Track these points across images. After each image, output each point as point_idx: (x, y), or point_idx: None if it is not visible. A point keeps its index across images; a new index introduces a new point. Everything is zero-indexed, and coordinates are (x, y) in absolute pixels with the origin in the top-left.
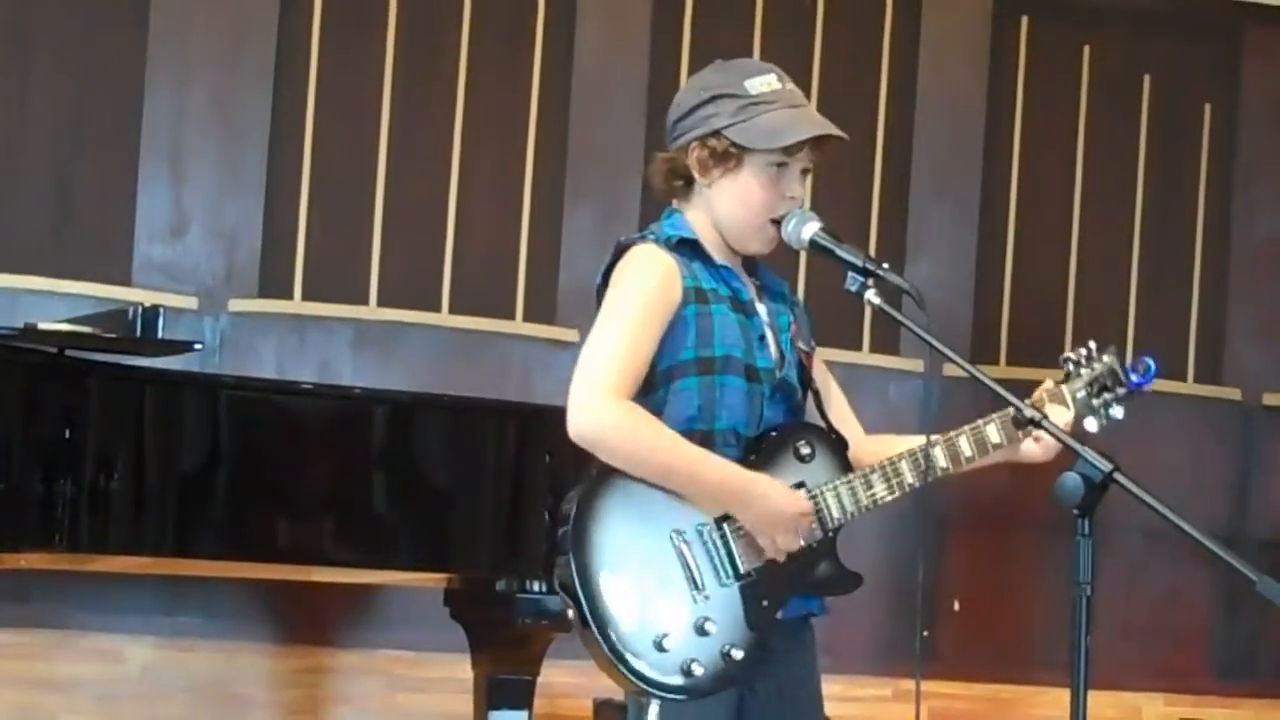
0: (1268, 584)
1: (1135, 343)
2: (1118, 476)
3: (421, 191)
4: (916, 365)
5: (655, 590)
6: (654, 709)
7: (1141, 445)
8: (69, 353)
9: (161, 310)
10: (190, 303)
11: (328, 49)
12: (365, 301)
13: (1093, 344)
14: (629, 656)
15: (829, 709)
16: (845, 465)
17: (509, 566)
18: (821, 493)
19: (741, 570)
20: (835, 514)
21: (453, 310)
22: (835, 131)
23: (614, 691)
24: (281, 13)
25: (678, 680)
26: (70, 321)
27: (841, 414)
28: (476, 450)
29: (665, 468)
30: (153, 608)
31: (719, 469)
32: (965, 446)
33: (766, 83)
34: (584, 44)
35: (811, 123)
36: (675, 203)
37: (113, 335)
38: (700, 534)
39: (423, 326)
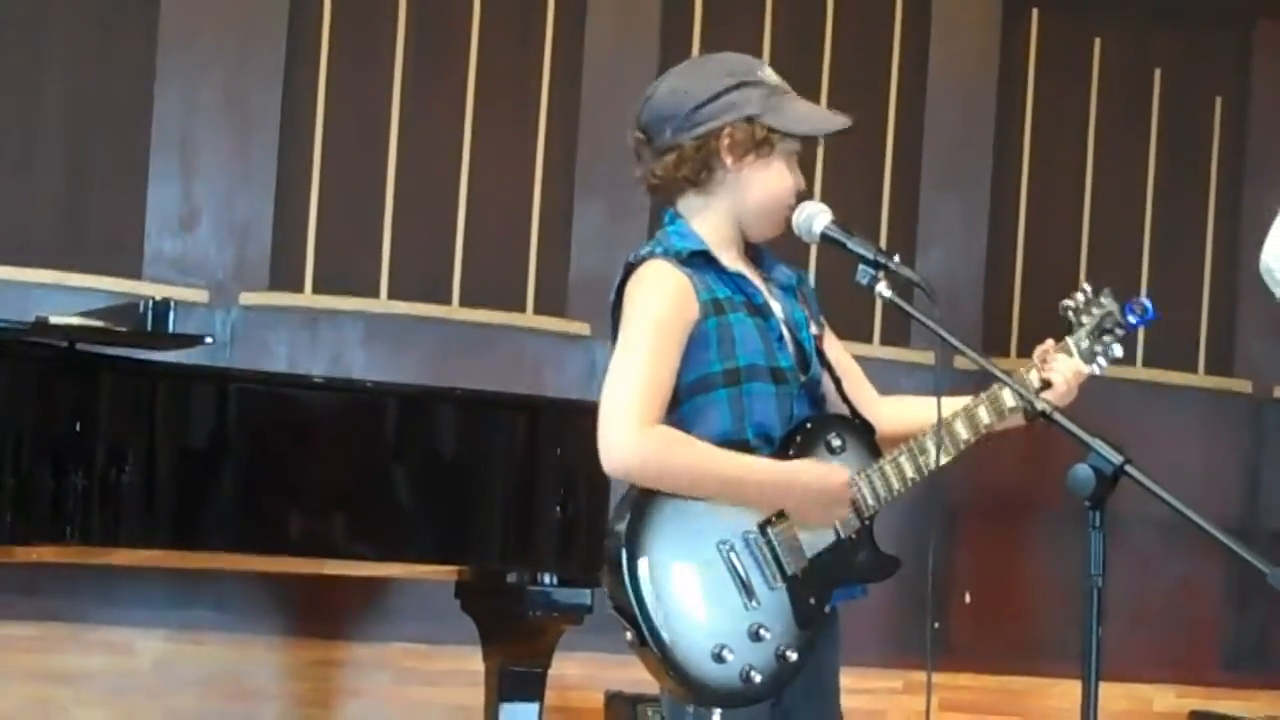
0: (1279, 577)
1: (1147, 334)
2: (1129, 469)
3: (432, 184)
4: (927, 358)
5: (708, 603)
6: (717, 717)
7: (1153, 437)
8: (80, 346)
9: (172, 304)
10: (201, 296)
11: (338, 43)
12: (376, 294)
13: (1088, 287)
14: (690, 672)
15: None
16: (875, 450)
17: (520, 559)
18: (856, 482)
19: (788, 572)
20: (870, 501)
21: (463, 303)
22: (849, 122)
23: (625, 684)
24: (292, 7)
25: (738, 687)
26: (81, 315)
27: (858, 386)
28: (487, 443)
29: (706, 483)
30: (164, 601)
31: (760, 470)
32: (984, 415)
33: (770, 73)
34: (594, 37)
35: (830, 114)
36: (678, 201)
37: (123, 329)
38: (746, 541)
39: (433, 319)
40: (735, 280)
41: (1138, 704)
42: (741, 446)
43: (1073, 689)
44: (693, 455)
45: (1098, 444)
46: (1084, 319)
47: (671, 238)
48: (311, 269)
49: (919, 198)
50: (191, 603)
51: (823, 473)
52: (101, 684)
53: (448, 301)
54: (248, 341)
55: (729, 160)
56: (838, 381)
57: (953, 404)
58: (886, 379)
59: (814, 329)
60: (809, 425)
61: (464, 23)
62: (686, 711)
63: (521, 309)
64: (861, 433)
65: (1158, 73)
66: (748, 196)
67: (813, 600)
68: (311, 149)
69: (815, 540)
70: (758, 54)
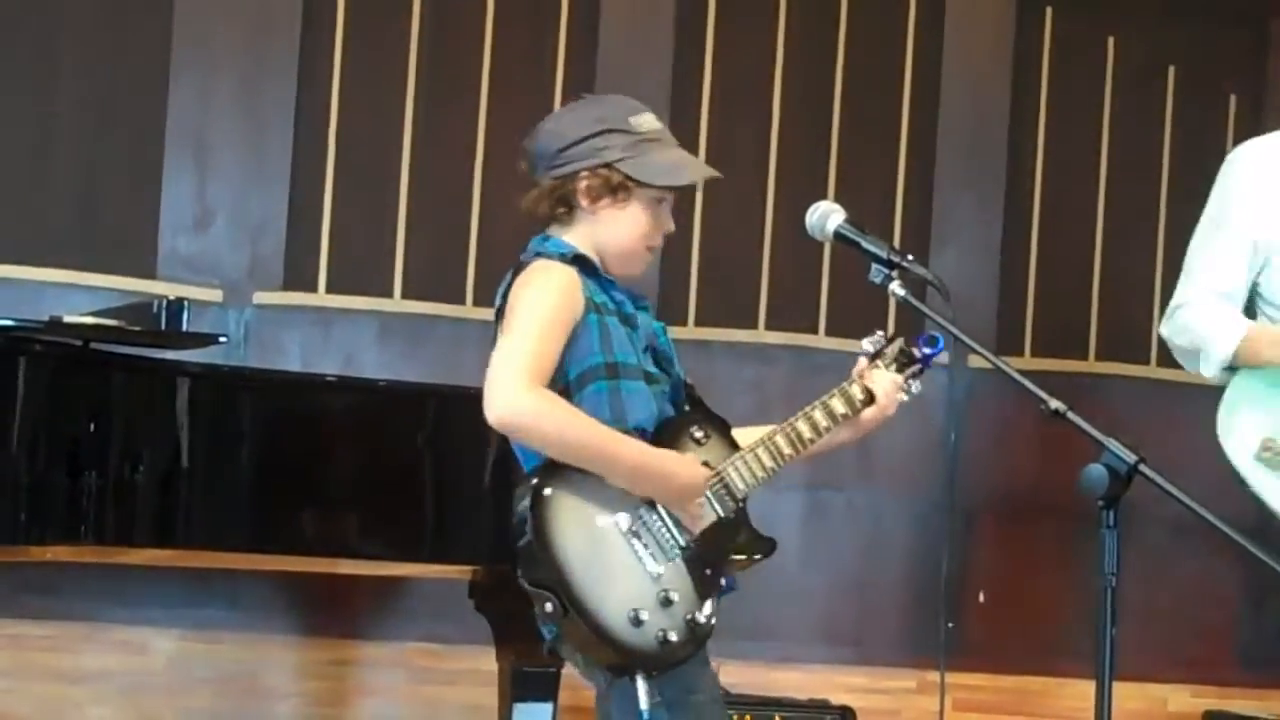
0: None
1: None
2: (1143, 468)
3: (446, 184)
4: (941, 357)
5: (619, 571)
6: (642, 685)
7: (1169, 435)
8: (94, 346)
9: (186, 303)
10: (215, 295)
11: (352, 41)
12: (390, 294)
13: (880, 332)
14: (612, 635)
15: (854, 700)
16: (733, 444)
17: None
18: (724, 469)
19: (682, 543)
20: (740, 486)
21: (477, 302)
22: (716, 174)
23: None
24: (306, 6)
25: (656, 650)
26: (95, 314)
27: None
28: (502, 442)
29: (582, 446)
30: (178, 600)
31: (633, 447)
32: (821, 419)
33: (649, 121)
34: (608, 36)
35: (698, 165)
36: (552, 228)
37: (137, 328)
38: (642, 515)
39: (447, 319)
40: (608, 289)
41: (1152, 704)
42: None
43: (1087, 689)
44: (572, 417)
45: (1111, 443)
46: (887, 352)
47: (551, 247)
48: (325, 268)
49: (933, 196)
50: (206, 602)
51: (688, 466)
52: (116, 683)
53: (461, 300)
54: (261, 341)
55: (584, 202)
56: (692, 388)
57: (765, 429)
58: None
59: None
60: (673, 419)
61: (478, 23)
62: (615, 685)
63: None
64: (720, 427)
65: (1172, 71)
66: (604, 237)
67: (709, 571)
68: (325, 148)
69: (705, 518)
70: (771, 57)
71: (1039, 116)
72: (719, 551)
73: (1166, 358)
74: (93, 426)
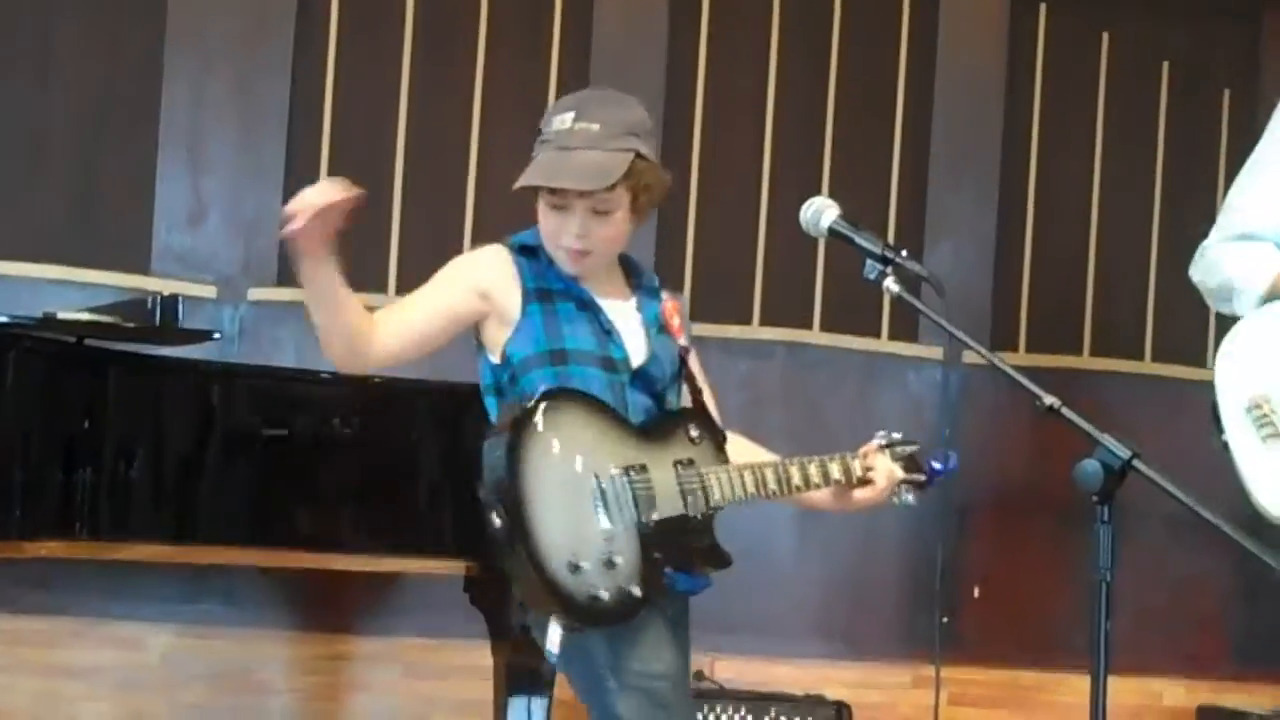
0: None
1: (1155, 329)
2: (1137, 463)
3: (440, 180)
4: (936, 353)
5: (575, 518)
6: (555, 628)
7: (1163, 430)
8: (88, 342)
9: (180, 299)
10: (209, 291)
11: (346, 38)
12: (384, 290)
13: (898, 435)
14: (546, 569)
15: (848, 695)
16: (724, 457)
17: None
18: (708, 474)
19: (641, 519)
20: (716, 496)
21: None
22: (563, 184)
23: None
24: (300, 2)
25: (584, 603)
26: (90, 311)
27: (714, 413)
28: None
29: None
30: (173, 595)
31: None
32: (814, 473)
33: (561, 121)
34: (602, 31)
35: (548, 170)
36: None
37: (132, 324)
38: (618, 478)
39: None
40: (566, 280)
41: (1147, 698)
42: (611, 414)
43: (1082, 684)
44: None
45: (1106, 439)
46: (898, 449)
47: (520, 234)
48: None
49: (927, 191)
50: (200, 597)
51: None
52: (110, 678)
53: None
54: (256, 336)
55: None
56: (698, 392)
57: (769, 454)
58: (895, 374)
59: (682, 341)
60: (679, 412)
61: (472, 18)
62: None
63: None
64: (717, 437)
65: (1166, 67)
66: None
67: (658, 555)
68: (320, 145)
69: (666, 505)
70: (765, 52)
71: (1033, 112)
72: (674, 544)
73: (1161, 353)
74: (87, 423)
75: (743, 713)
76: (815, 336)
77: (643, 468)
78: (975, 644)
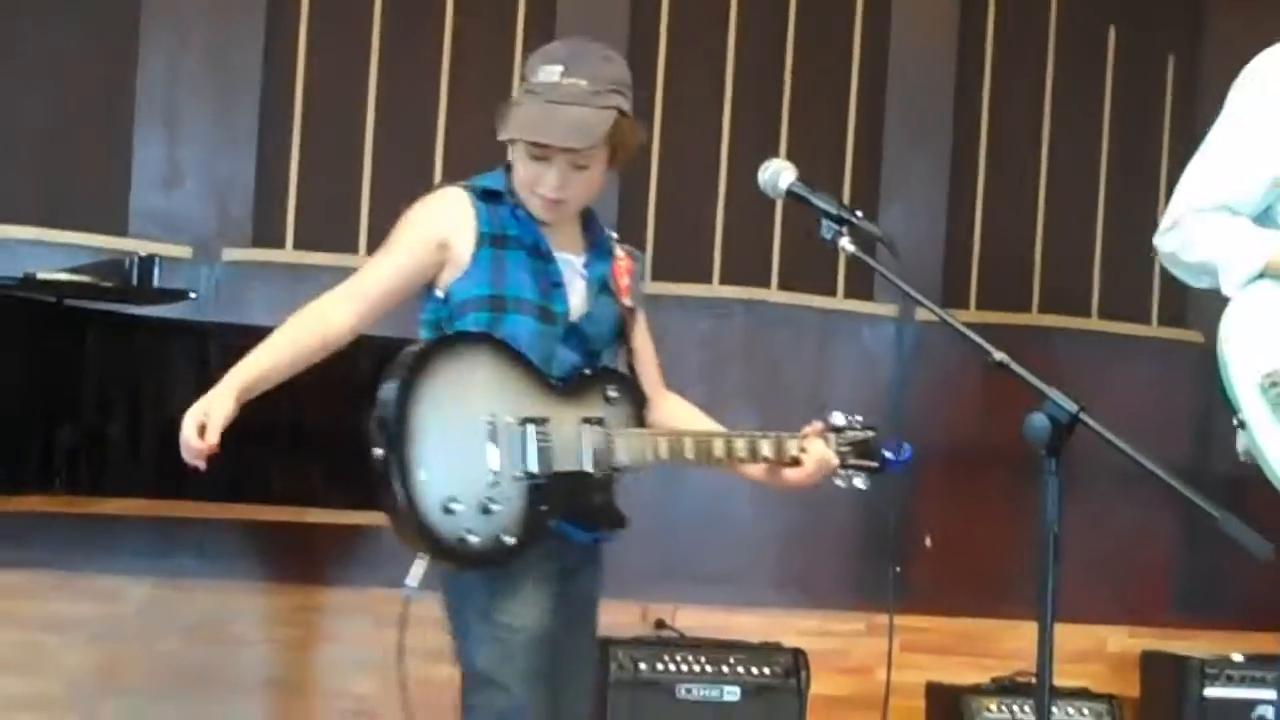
0: (1230, 521)
1: (1101, 287)
2: (1084, 417)
3: (409, 144)
4: (890, 310)
5: (460, 461)
6: (420, 565)
7: (1108, 386)
8: (68, 302)
9: (157, 260)
10: (185, 252)
11: (317, 9)
12: (355, 250)
13: (859, 417)
14: (418, 507)
15: (804, 643)
16: (640, 419)
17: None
18: (616, 435)
19: (531, 470)
20: (621, 458)
21: None
22: (551, 140)
23: (599, 627)
24: None
25: (452, 544)
26: (68, 271)
27: (648, 371)
28: None
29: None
30: (149, 550)
31: (241, 367)
32: (741, 448)
33: (549, 73)
34: (566, 2)
35: (536, 124)
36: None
37: (110, 284)
38: (513, 426)
39: None
40: (525, 222)
41: (1092, 644)
42: (524, 363)
43: (1030, 630)
44: (286, 325)
45: (1053, 393)
46: (848, 433)
47: (483, 176)
48: (292, 226)
49: (882, 154)
50: (176, 552)
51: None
52: (89, 630)
53: None
54: (230, 297)
55: (510, 150)
56: (630, 354)
57: (708, 422)
58: (851, 331)
59: (626, 302)
60: (596, 371)
61: None
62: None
63: None
64: (635, 399)
65: (1112, 31)
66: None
67: (544, 508)
68: (292, 110)
69: (565, 459)
70: (725, 17)
71: (984, 78)
72: (565, 498)
73: (1107, 310)
74: (66, 380)
75: (703, 661)
76: (773, 295)
77: (544, 420)
78: (927, 593)
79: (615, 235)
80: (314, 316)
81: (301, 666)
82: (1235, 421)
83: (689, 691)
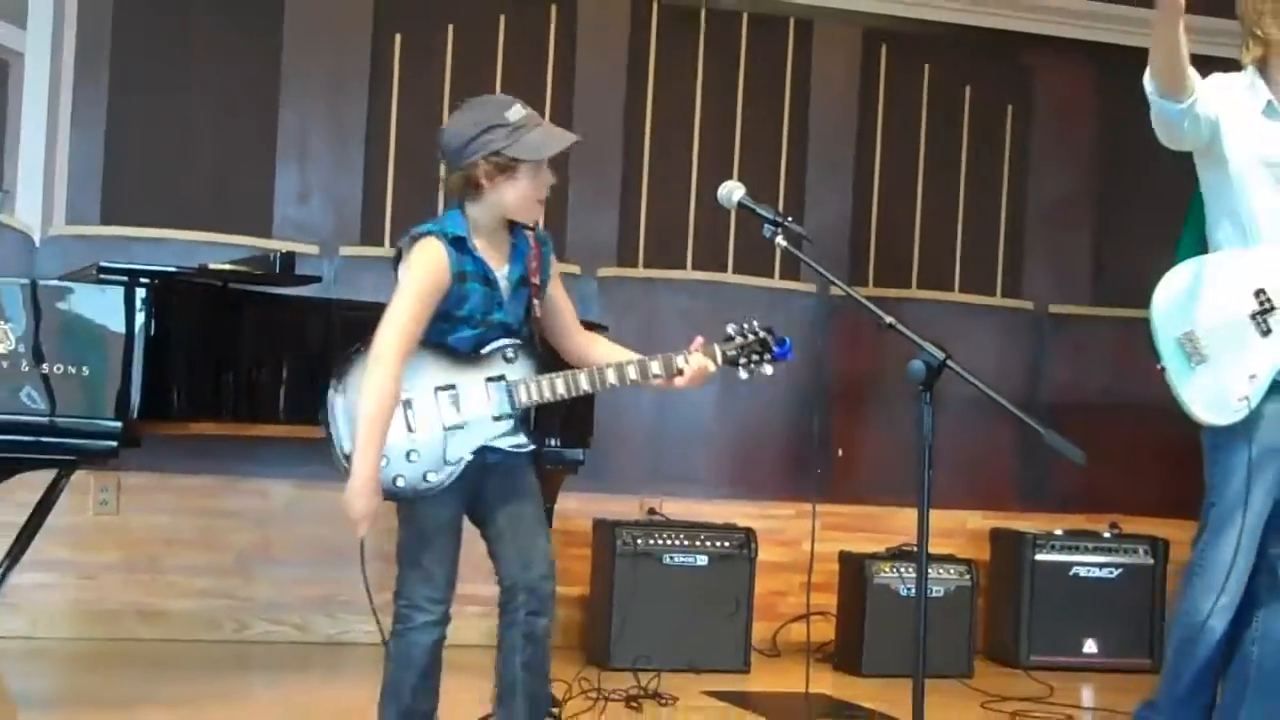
0: (1052, 436)
1: (962, 267)
2: (949, 363)
3: None
4: (812, 288)
5: (397, 431)
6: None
7: (964, 341)
8: (230, 285)
9: (294, 255)
10: (313, 249)
11: (405, 78)
12: None
13: (754, 321)
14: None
15: (753, 524)
16: (539, 368)
17: (540, 431)
18: (518, 382)
19: (446, 424)
20: (523, 398)
21: None
22: (574, 139)
23: (607, 514)
24: (374, 48)
25: (389, 486)
26: (231, 263)
27: (565, 322)
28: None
29: (358, 416)
30: (289, 460)
31: (366, 459)
32: (632, 372)
33: (518, 111)
34: (582, 80)
35: (559, 136)
36: (466, 203)
37: (260, 272)
38: (430, 392)
39: None
40: (480, 262)
41: (956, 524)
42: (451, 351)
43: (912, 514)
44: (370, 397)
45: (928, 345)
46: (738, 339)
47: (447, 224)
48: (389, 229)
49: (806, 177)
50: (309, 460)
51: (363, 486)
52: (248, 518)
53: None
54: (346, 281)
55: (485, 183)
56: (535, 323)
57: (621, 354)
58: (785, 303)
59: (534, 280)
60: (496, 344)
61: (492, 58)
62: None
63: None
64: (533, 353)
65: (968, 89)
66: (505, 202)
67: (463, 447)
68: (388, 146)
69: (475, 410)
70: (694, 83)
71: (877, 121)
72: (480, 438)
73: (965, 286)
74: (229, 340)
75: (681, 537)
76: (730, 277)
77: (451, 385)
78: (839, 487)
79: (529, 228)
80: (390, 395)
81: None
82: (1159, 367)
83: (672, 559)
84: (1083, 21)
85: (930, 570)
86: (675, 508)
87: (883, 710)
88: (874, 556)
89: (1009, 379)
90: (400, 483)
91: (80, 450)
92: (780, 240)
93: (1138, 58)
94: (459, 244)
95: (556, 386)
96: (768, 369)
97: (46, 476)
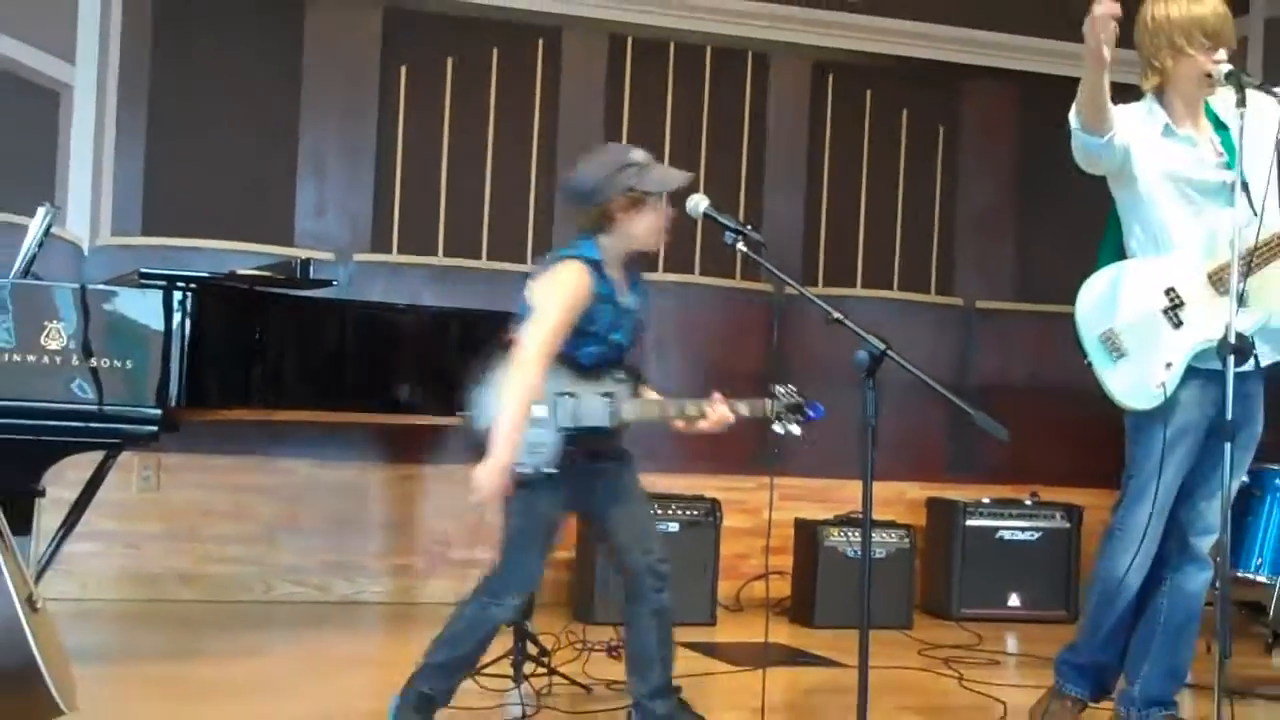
0: (980, 416)
1: (900, 269)
2: (889, 353)
3: (469, 185)
4: (768, 288)
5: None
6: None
7: (902, 334)
8: (257, 288)
9: (312, 261)
10: (330, 256)
11: (410, 106)
12: (435, 253)
13: (793, 387)
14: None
15: (718, 495)
16: (637, 392)
17: None
18: (623, 402)
19: (560, 425)
20: (627, 414)
21: (490, 257)
22: (689, 176)
23: None
24: (381, 82)
25: (516, 475)
26: (257, 269)
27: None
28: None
29: (505, 412)
30: (311, 441)
31: (503, 448)
32: (691, 410)
33: (637, 153)
34: (566, 114)
35: (677, 173)
36: (598, 235)
37: (283, 277)
38: (554, 396)
39: (470, 269)
40: (611, 284)
41: (896, 494)
42: (575, 364)
43: (858, 486)
44: (513, 403)
45: (870, 338)
46: (785, 399)
47: (584, 249)
48: (396, 238)
49: (763, 189)
50: (328, 442)
51: (497, 461)
52: (275, 493)
53: (479, 256)
54: (358, 285)
55: (619, 216)
56: (637, 336)
57: (670, 400)
58: (743, 303)
59: (641, 317)
60: (613, 365)
61: (486, 89)
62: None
63: (524, 260)
64: (636, 379)
65: (905, 112)
66: (635, 233)
67: (570, 448)
68: (395, 167)
69: (592, 416)
70: (663, 116)
71: (826, 139)
72: (592, 444)
73: (903, 285)
74: (257, 336)
75: (655, 506)
76: (697, 279)
77: (573, 394)
78: (795, 463)
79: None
80: (532, 394)
81: (405, 513)
82: (1086, 363)
83: None
84: (1006, 52)
85: (874, 534)
86: (654, 480)
87: (832, 657)
88: (825, 523)
89: (941, 366)
90: (527, 470)
91: (125, 434)
92: (741, 246)
93: (1056, 84)
94: (596, 267)
95: (653, 410)
96: (796, 429)
97: (96, 457)
